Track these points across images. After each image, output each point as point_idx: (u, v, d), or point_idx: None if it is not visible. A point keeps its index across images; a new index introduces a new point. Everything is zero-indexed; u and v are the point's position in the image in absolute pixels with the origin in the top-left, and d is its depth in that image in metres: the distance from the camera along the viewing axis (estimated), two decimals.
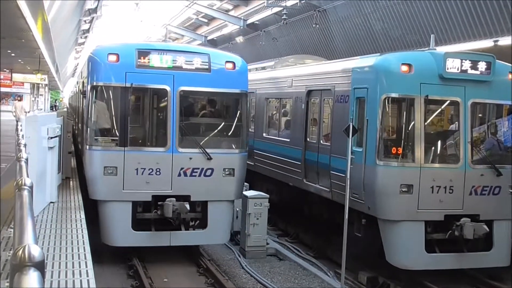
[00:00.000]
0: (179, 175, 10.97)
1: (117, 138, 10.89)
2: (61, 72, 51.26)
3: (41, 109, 53.23)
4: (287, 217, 15.76)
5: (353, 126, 10.31)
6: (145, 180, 10.80)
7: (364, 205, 10.80)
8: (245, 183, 13.14)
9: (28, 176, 3.89)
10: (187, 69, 11.10)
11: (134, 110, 11.49)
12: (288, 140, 14.61)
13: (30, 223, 2.77)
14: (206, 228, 11.33)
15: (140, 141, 11.25)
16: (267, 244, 13.15)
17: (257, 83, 17.23)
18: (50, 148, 10.96)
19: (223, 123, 11.89)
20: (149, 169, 10.80)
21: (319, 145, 12.89)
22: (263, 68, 18.26)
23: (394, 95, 10.55)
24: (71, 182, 13.90)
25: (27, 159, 5.47)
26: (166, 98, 11.08)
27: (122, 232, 10.83)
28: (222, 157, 11.24)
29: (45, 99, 63.55)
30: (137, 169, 10.76)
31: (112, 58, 10.78)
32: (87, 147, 10.93)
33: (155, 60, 10.92)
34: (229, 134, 11.79)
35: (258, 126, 16.84)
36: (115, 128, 11.01)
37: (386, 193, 10.36)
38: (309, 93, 13.56)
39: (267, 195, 13.23)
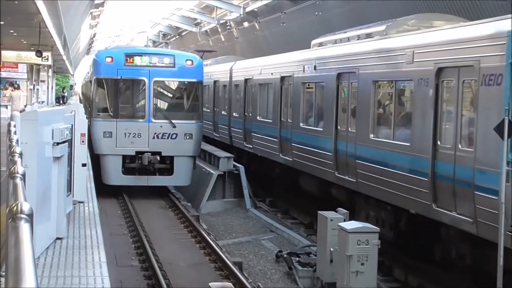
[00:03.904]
0: (154, 137, 24.32)
1: (111, 113, 24.66)
2: (71, 48, 52.79)
3: (42, 102, 55.00)
4: (407, 261, 15.64)
5: (509, 121, 10.11)
6: (130, 141, 24.13)
7: None
8: (344, 210, 14.18)
9: (25, 200, 3.94)
10: (159, 66, 24.76)
11: (123, 94, 25.45)
12: (408, 144, 14.45)
13: (29, 267, 2.80)
14: (173, 175, 24.71)
15: (127, 114, 24.82)
16: None
17: (358, 59, 17.11)
18: (56, 158, 11.24)
19: (184, 102, 26.00)
20: (133, 133, 24.16)
21: (456, 151, 12.75)
22: (368, 35, 18.11)
23: None
24: (85, 207, 14.19)
25: (23, 175, 5.58)
26: (144, 86, 24.66)
27: (115, 175, 24.19)
28: (183, 125, 24.68)
29: (48, 87, 65.54)
30: (125, 133, 24.13)
31: (108, 59, 24.70)
32: (93, 119, 24.47)
33: (137, 60, 24.67)
34: (188, 109, 25.76)
35: (360, 124, 16.72)
36: (110, 106, 24.91)
37: None
38: (440, 71, 13.41)
39: (377, 228, 13.26)
